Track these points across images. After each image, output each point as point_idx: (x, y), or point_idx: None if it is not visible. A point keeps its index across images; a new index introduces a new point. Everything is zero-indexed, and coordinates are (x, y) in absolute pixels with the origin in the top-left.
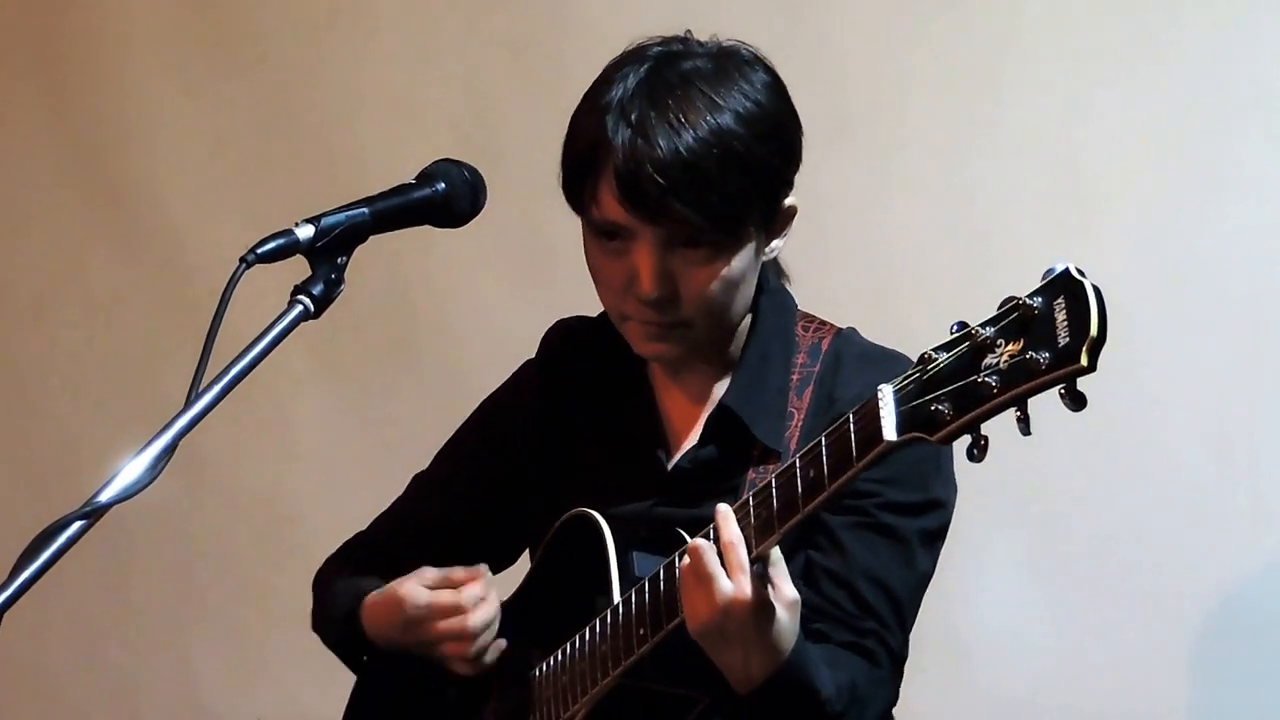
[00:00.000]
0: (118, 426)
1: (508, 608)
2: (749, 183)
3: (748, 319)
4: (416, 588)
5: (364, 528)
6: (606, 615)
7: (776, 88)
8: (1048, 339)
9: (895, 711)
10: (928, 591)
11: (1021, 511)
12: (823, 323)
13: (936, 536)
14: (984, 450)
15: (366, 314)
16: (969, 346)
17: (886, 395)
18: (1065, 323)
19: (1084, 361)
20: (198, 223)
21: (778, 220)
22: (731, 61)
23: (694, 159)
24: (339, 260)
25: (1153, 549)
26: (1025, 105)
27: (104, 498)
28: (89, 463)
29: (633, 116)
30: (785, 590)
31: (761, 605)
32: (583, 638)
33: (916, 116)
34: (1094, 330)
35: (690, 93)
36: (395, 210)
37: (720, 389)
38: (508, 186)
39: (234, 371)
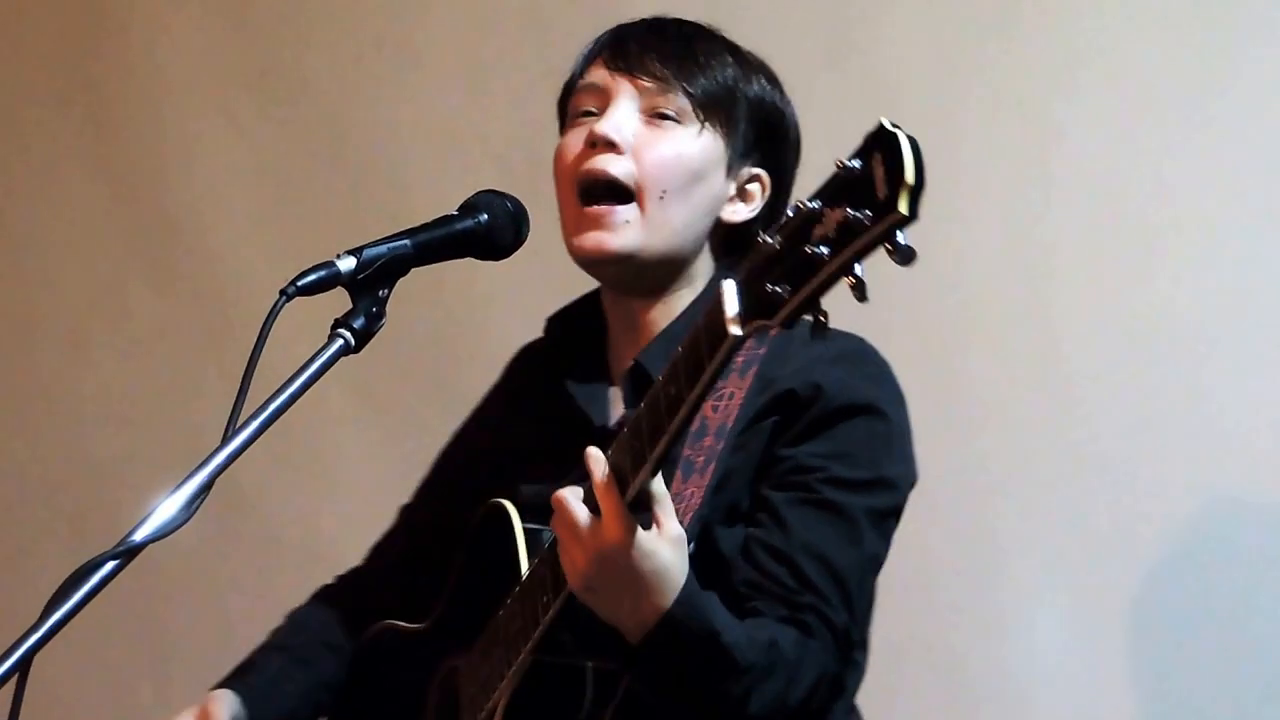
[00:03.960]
0: (156, 460)
1: (436, 620)
2: (732, 90)
3: (702, 284)
4: None
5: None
6: (516, 591)
7: (790, 104)
8: (868, 196)
9: None
10: (977, 630)
11: (1073, 545)
12: None
13: (887, 516)
14: (824, 328)
15: (408, 348)
16: (798, 220)
17: (729, 288)
18: (883, 176)
19: (902, 209)
20: (239, 255)
21: (743, 171)
22: (769, 71)
23: (692, 48)
24: (380, 293)
25: (1213, 584)
26: (1081, 134)
27: (138, 537)
28: (125, 497)
29: (651, 21)
30: (670, 526)
31: (641, 544)
32: (495, 622)
33: (971, 148)
34: (909, 177)
35: (718, 38)
36: (438, 242)
37: None
38: (551, 218)
39: (272, 407)
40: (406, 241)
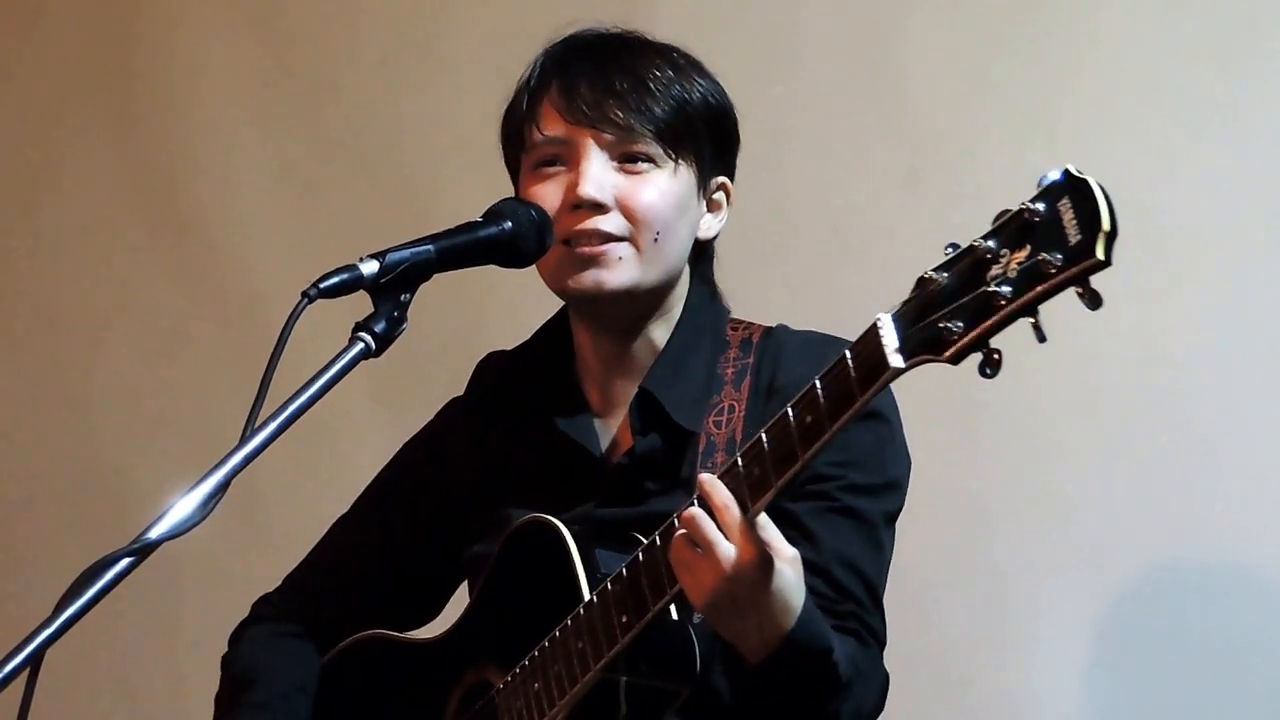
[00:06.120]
0: (174, 458)
1: (456, 631)
2: (689, 113)
3: (679, 309)
4: None
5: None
6: (579, 612)
7: (727, 98)
8: (1057, 240)
9: None
10: (981, 654)
11: (1076, 568)
12: (751, 323)
13: (895, 517)
14: (998, 366)
15: (429, 353)
16: (970, 261)
17: (885, 322)
18: (1074, 221)
19: (1099, 254)
20: (262, 256)
21: (710, 185)
22: (698, 63)
23: (638, 76)
24: (402, 298)
25: (1216, 616)
26: (1099, 158)
27: (154, 534)
28: (143, 494)
29: (582, 47)
30: (783, 547)
31: (766, 563)
32: (552, 640)
33: (987, 167)
34: (1106, 224)
35: (648, 48)
36: (461, 248)
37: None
38: None
39: (290, 409)
40: (430, 247)
